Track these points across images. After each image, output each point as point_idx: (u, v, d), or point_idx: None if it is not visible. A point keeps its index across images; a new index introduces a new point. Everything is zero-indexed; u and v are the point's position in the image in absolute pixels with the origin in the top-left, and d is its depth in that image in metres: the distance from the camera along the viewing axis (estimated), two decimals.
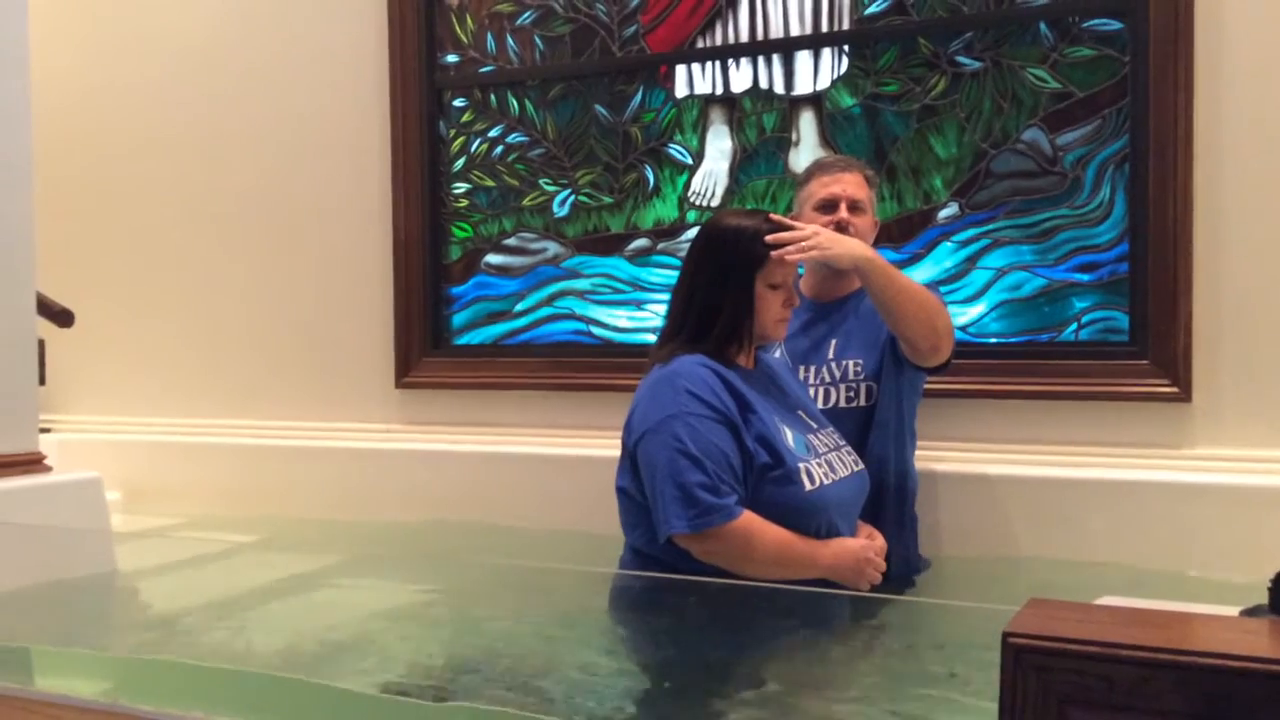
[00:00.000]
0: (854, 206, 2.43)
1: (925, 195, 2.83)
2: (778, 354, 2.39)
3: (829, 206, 2.42)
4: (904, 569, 2.36)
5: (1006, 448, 2.66)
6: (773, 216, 2.14)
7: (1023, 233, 2.74)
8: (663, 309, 3.10)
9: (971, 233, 2.78)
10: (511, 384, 3.24)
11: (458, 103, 3.39)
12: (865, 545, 2.02)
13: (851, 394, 2.39)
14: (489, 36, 3.32)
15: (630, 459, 2.04)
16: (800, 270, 2.42)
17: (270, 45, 3.57)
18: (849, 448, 2.19)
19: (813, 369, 2.43)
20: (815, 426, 2.14)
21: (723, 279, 2.05)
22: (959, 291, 2.79)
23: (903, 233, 2.85)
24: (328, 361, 3.49)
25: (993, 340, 2.76)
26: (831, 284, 2.50)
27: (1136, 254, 2.61)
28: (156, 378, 3.73)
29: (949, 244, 2.80)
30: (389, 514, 3.09)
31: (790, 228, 2.10)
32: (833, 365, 2.42)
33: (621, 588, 2.13)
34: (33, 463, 2.41)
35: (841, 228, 2.34)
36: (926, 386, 2.68)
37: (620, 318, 3.18)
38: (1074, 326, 2.70)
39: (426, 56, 3.37)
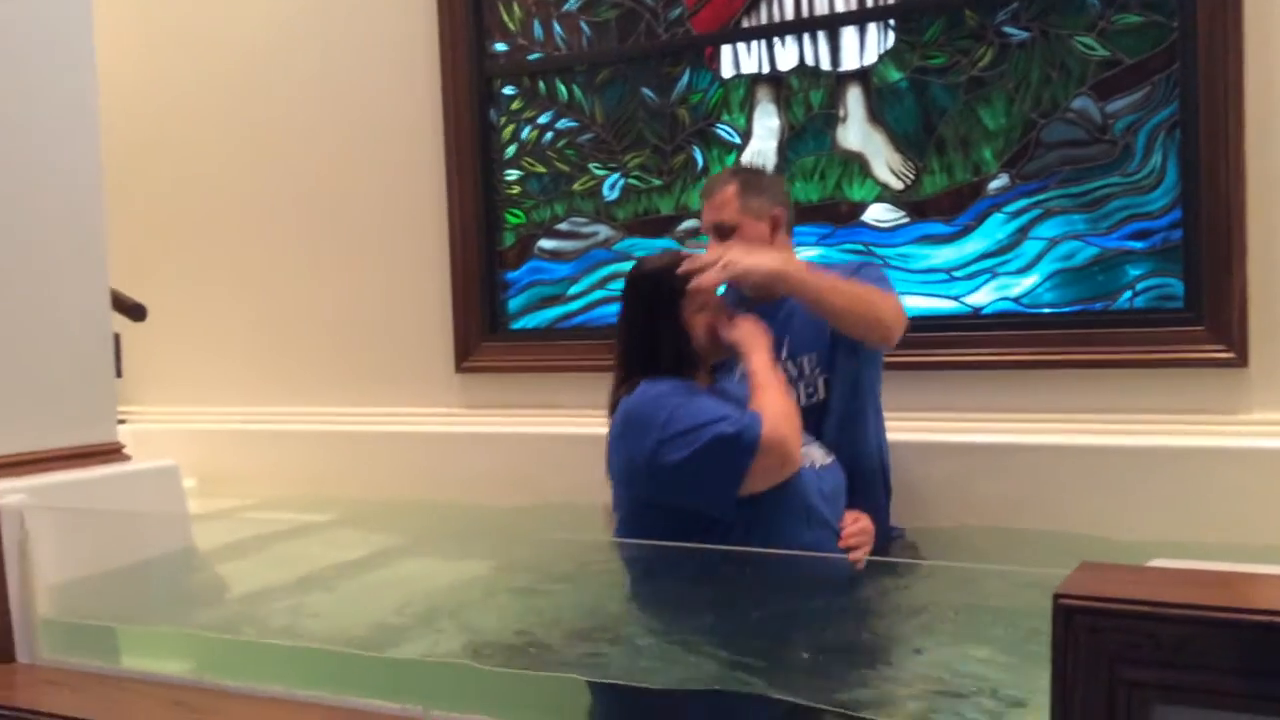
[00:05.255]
0: (721, 231, 2.37)
1: (975, 167, 2.83)
2: (738, 377, 2.39)
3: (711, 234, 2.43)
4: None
5: (1062, 417, 2.66)
6: (683, 252, 2.24)
7: (1074, 202, 2.73)
8: None
9: (1022, 203, 2.78)
10: (568, 366, 3.29)
11: (507, 90, 3.44)
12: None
13: (811, 390, 2.38)
14: (536, 24, 3.37)
15: (628, 495, 2.11)
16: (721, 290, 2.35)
17: (324, 41, 3.64)
18: (819, 442, 2.22)
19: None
20: None
21: (653, 318, 2.17)
22: (1011, 263, 2.79)
23: (953, 205, 2.85)
24: (390, 348, 3.57)
25: (1046, 310, 2.77)
26: (758, 292, 2.40)
27: (1189, 220, 2.60)
28: (226, 368, 3.84)
29: (1000, 215, 2.81)
30: (453, 495, 3.16)
31: (699, 259, 2.17)
32: (789, 365, 2.38)
33: (679, 560, 2.17)
34: (112, 452, 2.50)
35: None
36: (983, 358, 2.71)
37: None
38: (1128, 294, 2.69)
39: (476, 45, 3.43)
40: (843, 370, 2.34)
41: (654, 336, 2.16)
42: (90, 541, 2.24)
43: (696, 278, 2.12)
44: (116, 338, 2.61)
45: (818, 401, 2.36)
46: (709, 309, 2.18)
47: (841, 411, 2.35)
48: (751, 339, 2.14)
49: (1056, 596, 1.08)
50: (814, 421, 2.32)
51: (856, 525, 2.11)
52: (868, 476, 2.37)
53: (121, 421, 2.67)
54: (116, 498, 2.40)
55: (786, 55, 3.05)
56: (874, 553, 2.20)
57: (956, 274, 2.86)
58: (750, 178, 2.44)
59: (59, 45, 2.44)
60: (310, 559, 2.37)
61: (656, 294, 2.17)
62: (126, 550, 2.33)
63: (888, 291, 2.29)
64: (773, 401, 2.01)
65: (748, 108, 3.10)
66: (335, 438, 3.48)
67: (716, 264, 2.12)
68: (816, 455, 2.17)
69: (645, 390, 2.08)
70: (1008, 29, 2.78)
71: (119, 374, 2.64)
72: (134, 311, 3.19)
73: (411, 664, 1.79)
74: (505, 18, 3.41)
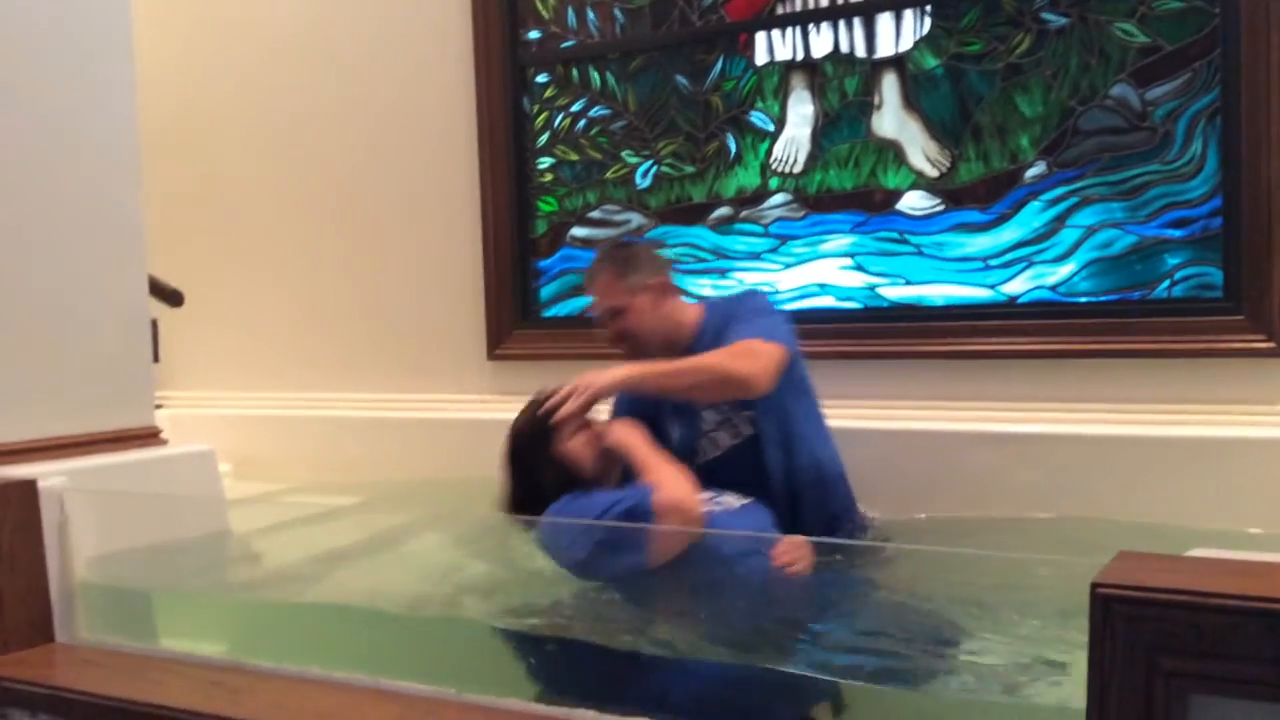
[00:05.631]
0: (613, 314, 2.47)
1: (1011, 155, 2.80)
2: None
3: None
4: None
5: (1099, 407, 2.63)
6: (538, 396, 2.29)
7: (1112, 190, 2.70)
8: (746, 276, 3.13)
9: (1060, 191, 2.75)
10: (599, 354, 3.27)
11: (540, 78, 3.44)
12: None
13: (734, 432, 2.42)
14: (569, 11, 3.36)
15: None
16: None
17: (359, 28, 3.66)
18: (724, 491, 2.26)
19: (694, 425, 2.45)
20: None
21: (533, 466, 2.23)
22: (1048, 251, 2.76)
23: (989, 193, 2.83)
24: (423, 336, 3.59)
25: (1083, 299, 2.74)
26: (663, 354, 2.45)
27: (1230, 208, 2.56)
28: (261, 354, 3.87)
29: (1036, 203, 2.78)
30: (485, 482, 3.18)
31: (555, 395, 2.24)
32: (709, 413, 2.43)
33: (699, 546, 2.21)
34: (150, 436, 2.52)
35: (625, 337, 2.47)
36: (1019, 347, 2.69)
37: (705, 286, 3.21)
38: (1166, 283, 2.66)
39: (509, 33, 3.43)
40: (764, 402, 2.36)
41: (539, 480, 2.22)
42: (128, 521, 2.26)
43: (558, 412, 2.21)
44: (154, 323, 2.64)
45: (747, 438, 2.41)
46: (580, 430, 2.25)
47: (776, 438, 2.40)
48: (627, 436, 2.22)
49: (1094, 585, 1.07)
50: (750, 456, 2.38)
51: (786, 544, 2.12)
52: (819, 489, 2.41)
53: (158, 407, 2.69)
54: (153, 481, 2.42)
55: (821, 42, 3.03)
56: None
57: (992, 262, 2.84)
58: (622, 256, 2.53)
59: (97, 34, 2.47)
60: (339, 540, 2.41)
61: (531, 447, 2.25)
62: (163, 533, 2.36)
63: (752, 336, 2.31)
64: (661, 473, 2.09)
65: (782, 95, 3.08)
66: (369, 424, 3.50)
67: (570, 394, 2.22)
68: (730, 501, 2.22)
69: (547, 513, 2.14)
70: (1046, 15, 2.74)
71: (156, 359, 2.67)
72: (171, 298, 3.22)
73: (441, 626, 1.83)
74: (539, 5, 3.41)
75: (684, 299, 2.53)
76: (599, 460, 2.22)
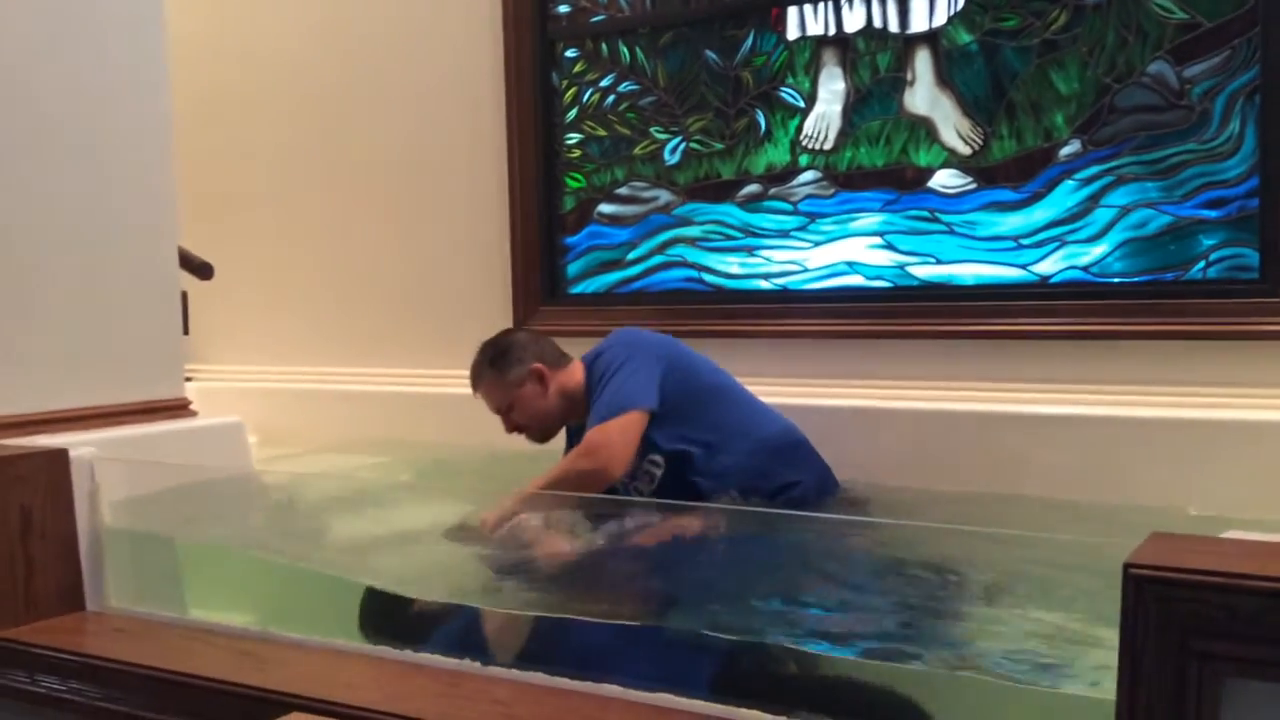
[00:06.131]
0: (504, 413, 2.59)
1: (1046, 133, 2.77)
2: None
3: None
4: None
5: (1131, 389, 2.61)
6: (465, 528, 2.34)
7: (1148, 169, 2.66)
8: (775, 254, 3.11)
9: (1094, 170, 2.72)
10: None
11: (569, 53, 3.42)
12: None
13: (648, 477, 2.48)
14: None
15: None
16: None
17: (389, 3, 3.65)
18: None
19: (621, 480, 2.46)
20: None
21: None
22: (1081, 231, 2.73)
23: (1022, 172, 2.80)
24: (450, 311, 3.59)
25: (1116, 280, 2.71)
26: (571, 419, 2.58)
27: (1267, 189, 2.52)
28: (289, 328, 3.89)
29: (1070, 182, 2.74)
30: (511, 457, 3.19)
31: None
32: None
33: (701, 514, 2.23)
34: (180, 408, 2.55)
35: (522, 428, 2.60)
36: (1051, 328, 2.67)
37: (732, 264, 3.19)
38: (1201, 264, 2.62)
39: (539, 7, 3.41)
40: (662, 437, 2.42)
41: None
42: (159, 489, 2.29)
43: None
44: (184, 296, 2.65)
45: (662, 475, 2.46)
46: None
47: (697, 456, 2.44)
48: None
49: (1127, 566, 1.06)
50: (676, 485, 2.43)
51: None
52: (762, 478, 2.44)
53: (188, 379, 2.71)
54: (183, 452, 2.45)
55: (853, 17, 2.99)
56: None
57: (1024, 242, 2.81)
58: (497, 357, 2.59)
59: (127, 3, 2.47)
60: (350, 509, 2.44)
61: None
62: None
63: (597, 419, 2.38)
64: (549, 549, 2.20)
65: (813, 71, 3.05)
66: (395, 398, 3.51)
67: (488, 533, 2.29)
68: None
69: None
70: None
71: (186, 331, 2.69)
72: (201, 270, 3.23)
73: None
74: None
75: (566, 365, 2.61)
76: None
